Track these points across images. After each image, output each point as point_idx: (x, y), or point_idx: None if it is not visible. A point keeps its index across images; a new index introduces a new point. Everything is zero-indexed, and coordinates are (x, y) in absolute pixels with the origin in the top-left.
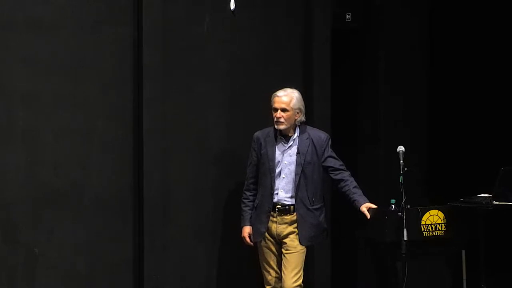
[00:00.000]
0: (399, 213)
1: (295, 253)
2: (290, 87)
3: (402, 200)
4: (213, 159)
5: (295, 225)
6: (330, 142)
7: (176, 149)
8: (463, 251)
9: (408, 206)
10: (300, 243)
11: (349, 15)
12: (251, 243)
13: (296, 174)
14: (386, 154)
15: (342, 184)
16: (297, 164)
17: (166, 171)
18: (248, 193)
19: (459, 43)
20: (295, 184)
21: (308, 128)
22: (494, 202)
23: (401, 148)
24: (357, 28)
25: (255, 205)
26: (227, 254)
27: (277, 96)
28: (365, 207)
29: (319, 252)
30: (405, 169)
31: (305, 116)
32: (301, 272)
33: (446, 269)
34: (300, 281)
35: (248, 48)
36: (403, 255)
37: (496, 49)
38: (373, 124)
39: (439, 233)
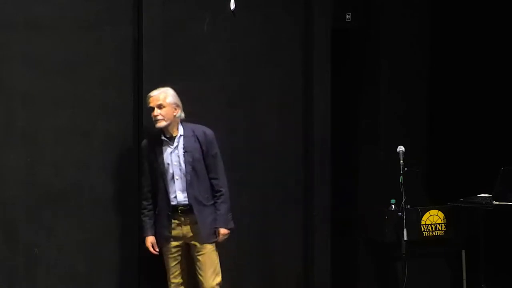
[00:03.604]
0: (399, 213)
1: (206, 254)
2: (163, 86)
3: (402, 200)
4: None
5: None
6: (214, 139)
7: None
8: (463, 251)
9: (408, 206)
10: (202, 241)
11: (349, 15)
12: (156, 252)
13: (186, 172)
14: (386, 154)
15: (214, 193)
16: (186, 163)
17: None
18: (145, 203)
19: (460, 42)
20: (187, 183)
21: (192, 125)
22: (494, 202)
23: (401, 148)
24: (357, 28)
25: (156, 212)
26: (226, 253)
27: (151, 96)
28: (222, 233)
29: (319, 252)
30: (405, 169)
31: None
32: (218, 269)
33: (446, 269)
34: (218, 279)
35: (248, 48)
36: (403, 255)
37: (497, 49)
38: (373, 124)
39: (439, 233)
